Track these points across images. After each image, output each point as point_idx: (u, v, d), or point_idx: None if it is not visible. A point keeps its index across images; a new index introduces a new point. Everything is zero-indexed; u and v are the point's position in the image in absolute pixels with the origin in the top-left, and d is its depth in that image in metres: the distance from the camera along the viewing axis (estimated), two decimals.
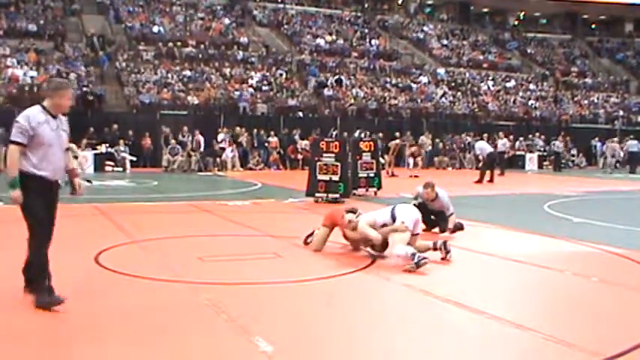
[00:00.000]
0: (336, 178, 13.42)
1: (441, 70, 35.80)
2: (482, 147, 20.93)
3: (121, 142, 22.74)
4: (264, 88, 28.76)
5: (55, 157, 5.24)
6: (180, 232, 9.24)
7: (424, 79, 34.03)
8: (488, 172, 19.97)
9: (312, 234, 8.01)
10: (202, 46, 30.81)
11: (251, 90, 28.24)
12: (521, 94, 35.87)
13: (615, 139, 30.19)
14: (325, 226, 7.85)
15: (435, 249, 7.37)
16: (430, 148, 27.51)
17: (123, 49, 29.36)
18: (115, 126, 23.56)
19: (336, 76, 31.27)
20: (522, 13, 49.10)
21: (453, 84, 34.79)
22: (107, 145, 22.39)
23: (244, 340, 4.50)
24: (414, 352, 4.47)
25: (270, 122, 26.81)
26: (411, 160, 21.50)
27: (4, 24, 28.55)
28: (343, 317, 5.18)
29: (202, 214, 11.51)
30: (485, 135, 25.93)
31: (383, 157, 21.93)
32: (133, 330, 4.75)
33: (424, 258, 6.77)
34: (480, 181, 19.48)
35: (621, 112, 36.27)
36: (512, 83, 36.76)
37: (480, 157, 21.01)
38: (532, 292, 6.31)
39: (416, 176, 21.11)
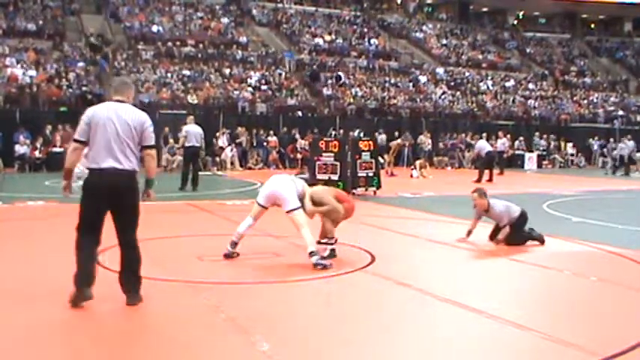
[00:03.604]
0: (335, 177, 13.44)
1: (440, 70, 35.79)
2: (482, 146, 20.93)
3: None
4: (263, 87, 28.75)
5: None
6: (179, 231, 9.24)
7: (423, 79, 34.02)
8: (487, 172, 19.98)
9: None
10: (201, 45, 30.80)
11: (250, 89, 28.24)
12: (520, 93, 35.87)
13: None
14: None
15: (322, 243, 7.13)
16: (429, 147, 27.51)
17: (122, 49, 29.35)
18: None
19: (335, 74, 31.25)
20: (521, 13, 49.10)
21: (452, 83, 34.78)
22: None
23: (243, 339, 4.50)
24: (413, 351, 4.47)
25: (269, 122, 26.81)
26: (415, 172, 21.50)
27: (3, 23, 28.51)
28: (342, 316, 5.18)
29: (201, 213, 11.51)
30: (485, 134, 25.95)
31: (383, 157, 21.96)
32: (131, 329, 4.75)
33: (322, 265, 6.62)
34: (479, 180, 19.48)
35: (620, 112, 36.25)
36: (511, 83, 36.75)
37: (481, 156, 20.99)
38: (531, 292, 6.32)
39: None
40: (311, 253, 6.69)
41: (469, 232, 8.67)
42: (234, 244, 7.18)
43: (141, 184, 5.42)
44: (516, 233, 8.42)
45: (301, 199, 7.11)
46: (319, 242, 7.18)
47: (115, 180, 5.10)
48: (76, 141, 5.22)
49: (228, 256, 7.15)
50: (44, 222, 9.96)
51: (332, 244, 7.23)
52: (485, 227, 8.69)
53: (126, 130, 5.08)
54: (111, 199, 5.12)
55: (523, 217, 8.55)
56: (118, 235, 5.29)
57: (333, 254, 7.19)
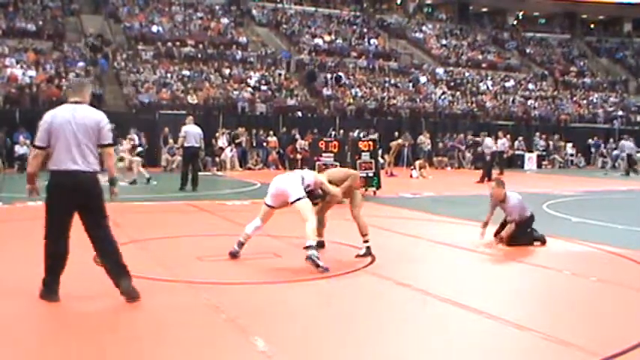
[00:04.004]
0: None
1: (440, 70, 35.78)
2: (490, 145, 20.82)
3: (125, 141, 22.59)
4: (262, 87, 28.75)
5: None
6: (179, 231, 9.24)
7: (423, 79, 34.01)
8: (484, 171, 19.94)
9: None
10: (201, 45, 30.78)
11: (250, 90, 28.23)
12: (520, 93, 35.87)
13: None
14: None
15: (365, 240, 7.42)
16: (429, 147, 27.50)
17: (122, 49, 29.34)
18: (113, 125, 23.37)
19: (335, 74, 31.23)
20: (521, 13, 49.07)
21: (452, 84, 34.76)
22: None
23: (243, 339, 4.51)
24: (413, 351, 4.47)
25: (269, 122, 26.80)
26: (414, 172, 21.51)
27: (3, 24, 28.48)
28: (342, 316, 5.18)
29: (201, 213, 11.51)
30: (485, 134, 25.84)
31: (383, 157, 21.96)
32: (131, 329, 4.76)
33: (315, 263, 6.55)
34: (481, 181, 19.38)
35: (620, 112, 36.25)
36: (511, 83, 36.73)
37: (488, 154, 20.84)
38: (531, 292, 6.32)
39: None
40: (308, 247, 6.61)
41: (485, 224, 8.64)
42: (241, 245, 7.18)
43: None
44: (519, 234, 8.36)
45: (320, 188, 7.21)
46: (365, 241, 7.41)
47: (78, 181, 5.21)
48: (35, 147, 5.34)
49: (233, 255, 7.13)
50: (40, 222, 9.94)
51: (368, 240, 7.39)
52: (491, 227, 8.69)
53: (83, 132, 5.20)
54: (76, 200, 5.24)
55: (531, 219, 8.55)
56: (89, 234, 5.36)
57: (369, 251, 7.34)
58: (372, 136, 21.84)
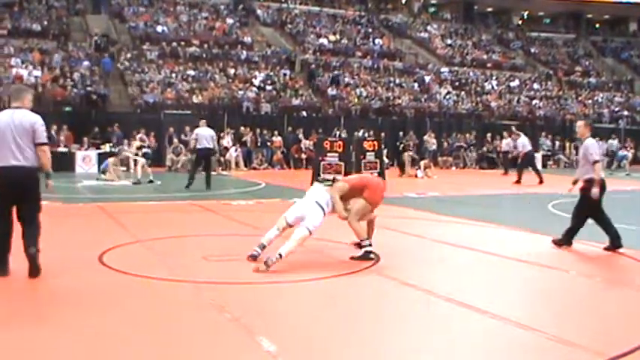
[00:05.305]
0: (339, 177, 13.43)
1: (445, 70, 35.73)
2: (525, 143, 20.66)
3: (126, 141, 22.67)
4: (267, 87, 28.77)
5: None
6: (184, 231, 9.26)
7: (428, 79, 33.99)
8: (505, 170, 19.81)
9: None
10: (206, 45, 30.83)
11: (254, 89, 28.25)
12: (525, 93, 35.80)
13: None
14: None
15: (360, 246, 7.33)
16: (434, 147, 27.46)
17: (127, 49, 29.40)
18: (116, 125, 23.46)
19: (334, 74, 31.17)
20: (526, 13, 48.98)
21: (456, 83, 34.71)
22: (111, 144, 22.39)
23: (248, 339, 4.52)
24: (417, 351, 4.47)
25: (274, 122, 26.82)
26: (420, 173, 21.53)
27: (9, 24, 28.59)
28: (346, 316, 5.19)
29: (206, 213, 11.53)
30: (519, 132, 25.30)
31: (388, 157, 21.97)
32: (136, 329, 4.77)
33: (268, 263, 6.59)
34: (540, 181, 18.95)
35: (625, 112, 36.15)
36: (516, 83, 36.66)
37: (521, 154, 20.61)
38: (535, 292, 6.31)
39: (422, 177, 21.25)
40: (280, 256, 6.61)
41: (575, 182, 8.80)
42: (263, 247, 7.04)
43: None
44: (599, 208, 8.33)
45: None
46: (357, 244, 7.36)
47: (19, 175, 5.92)
48: None
49: (254, 257, 6.95)
50: (44, 222, 9.97)
51: (365, 245, 7.25)
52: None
53: (21, 133, 5.93)
54: (16, 191, 5.95)
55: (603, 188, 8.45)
56: (22, 224, 6.07)
57: (366, 256, 7.20)
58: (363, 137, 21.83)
